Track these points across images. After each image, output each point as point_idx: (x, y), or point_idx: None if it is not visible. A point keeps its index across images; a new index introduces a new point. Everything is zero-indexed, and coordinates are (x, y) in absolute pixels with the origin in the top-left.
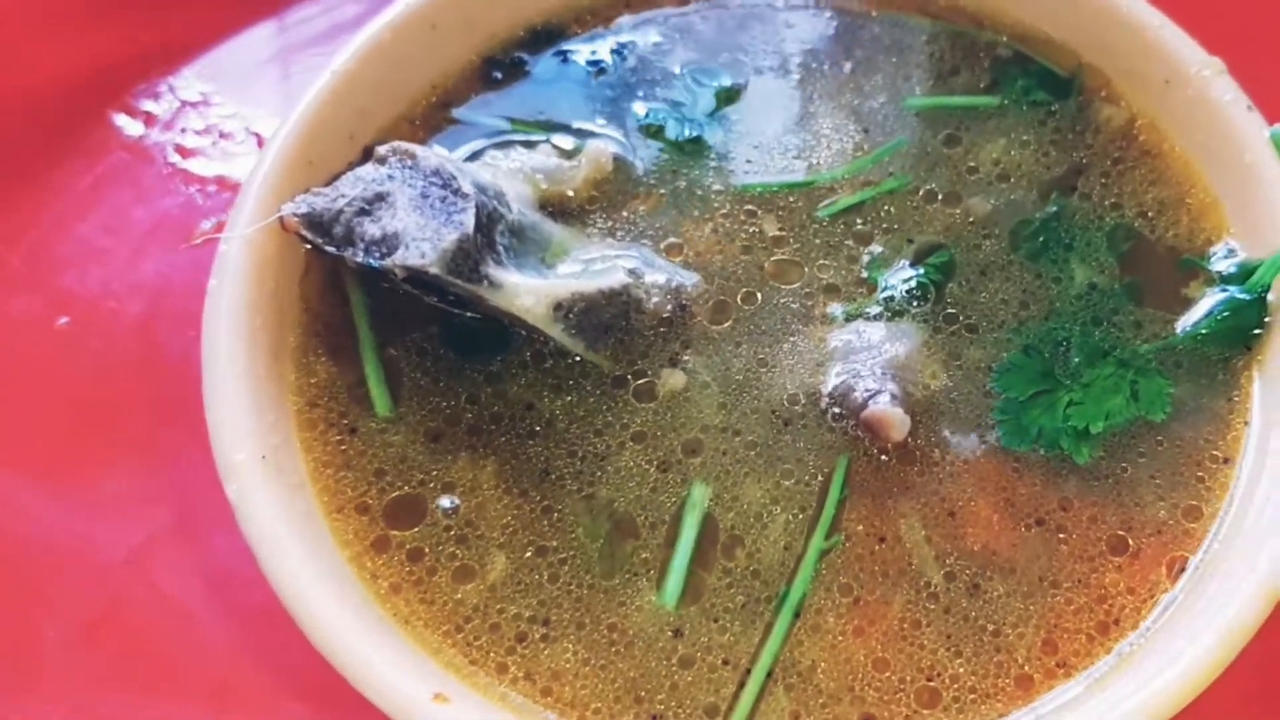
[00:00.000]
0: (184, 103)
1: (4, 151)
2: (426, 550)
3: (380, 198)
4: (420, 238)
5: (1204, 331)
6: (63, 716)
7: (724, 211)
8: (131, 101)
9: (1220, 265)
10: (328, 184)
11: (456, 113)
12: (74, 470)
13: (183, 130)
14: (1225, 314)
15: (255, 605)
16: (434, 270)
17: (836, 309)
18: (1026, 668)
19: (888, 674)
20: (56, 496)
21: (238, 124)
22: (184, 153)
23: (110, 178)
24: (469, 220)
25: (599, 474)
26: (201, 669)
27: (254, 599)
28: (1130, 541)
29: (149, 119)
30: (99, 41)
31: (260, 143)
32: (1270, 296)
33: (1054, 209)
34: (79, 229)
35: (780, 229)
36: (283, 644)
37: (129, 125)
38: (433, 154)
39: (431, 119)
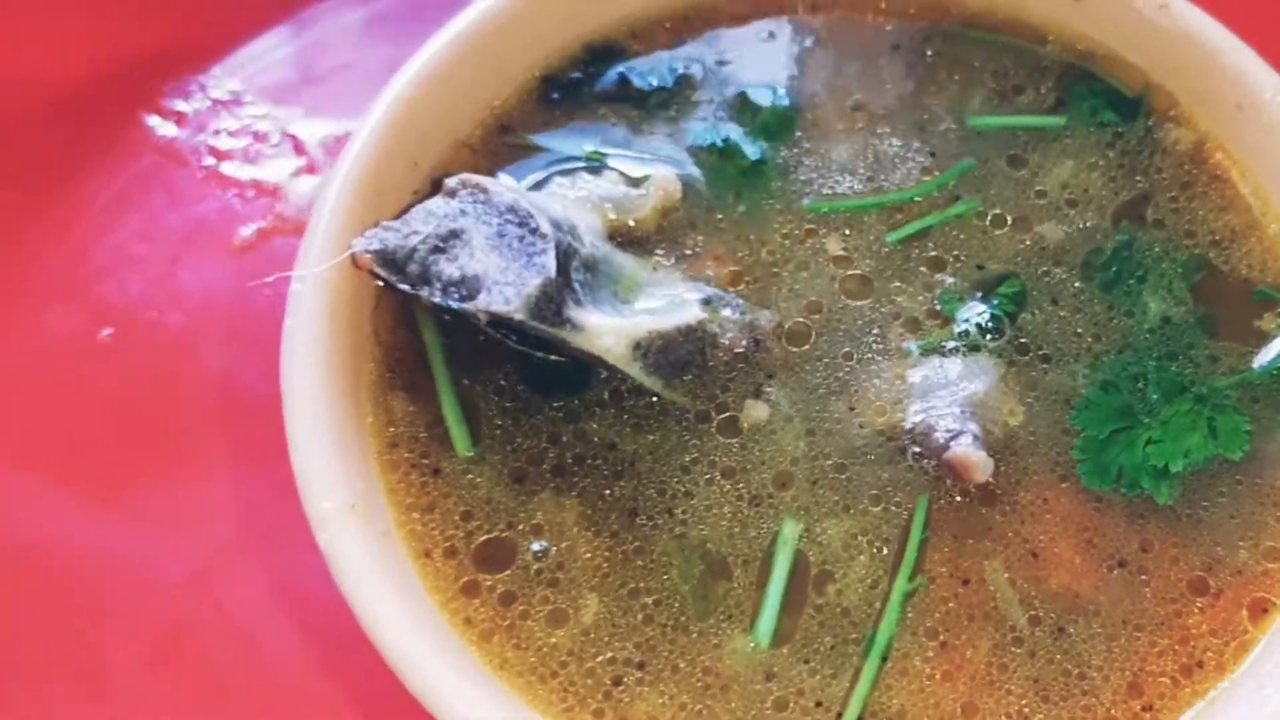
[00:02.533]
0: (215, 102)
1: (36, 156)
2: (518, 594)
3: (455, 235)
4: (503, 281)
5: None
6: None
7: (794, 237)
8: (162, 101)
9: None
10: (397, 216)
11: (517, 137)
12: (129, 487)
13: (215, 132)
14: None
15: (319, 622)
16: (519, 316)
17: (911, 344)
18: (1113, 711)
19: (976, 719)
20: (111, 513)
21: (271, 124)
22: (218, 155)
23: (144, 182)
24: (550, 263)
25: (689, 513)
26: (266, 688)
27: (317, 615)
28: (1211, 583)
29: (180, 119)
30: (127, 40)
31: (296, 146)
32: None
33: (1125, 238)
34: (115, 236)
35: (849, 253)
36: (347, 662)
37: (161, 126)
38: (505, 188)
39: (491, 143)
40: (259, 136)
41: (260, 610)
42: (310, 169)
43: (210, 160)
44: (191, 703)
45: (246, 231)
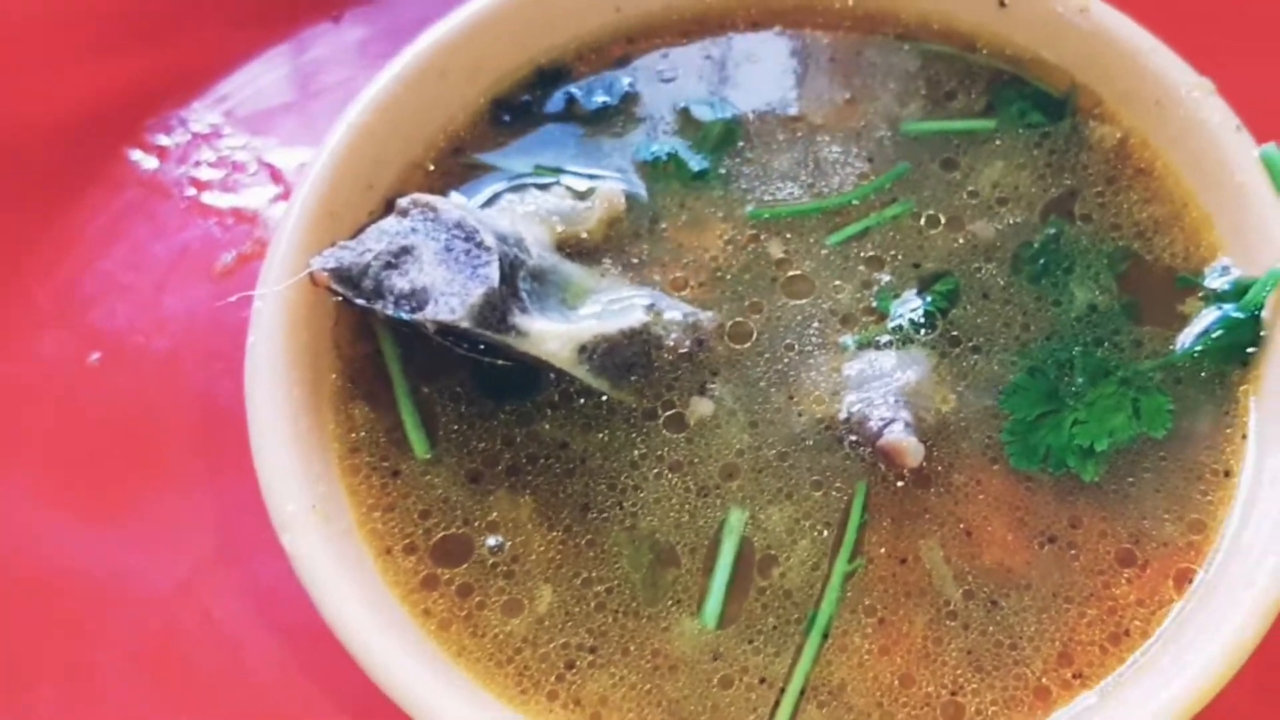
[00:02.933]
0: (195, 135)
1: (25, 190)
2: (474, 586)
3: (406, 251)
4: (449, 292)
5: (1201, 349)
6: None
7: (734, 242)
8: (145, 136)
9: (1215, 283)
10: (353, 236)
11: (469, 158)
12: (116, 503)
13: (196, 163)
14: (1221, 332)
15: (299, 624)
16: (464, 325)
17: (848, 339)
18: (1044, 679)
19: (914, 689)
20: (100, 529)
21: (248, 154)
22: (199, 185)
23: (129, 213)
24: (494, 274)
25: (638, 505)
26: (252, 691)
27: (298, 618)
28: (1138, 555)
29: (162, 153)
30: (107, 76)
31: (273, 174)
32: (1264, 314)
33: (1053, 231)
34: (102, 265)
35: (790, 256)
36: (328, 663)
37: (143, 160)
38: (453, 206)
39: (445, 164)
40: (237, 166)
41: (244, 616)
42: (286, 195)
43: (191, 190)
44: (179, 705)
45: (227, 257)
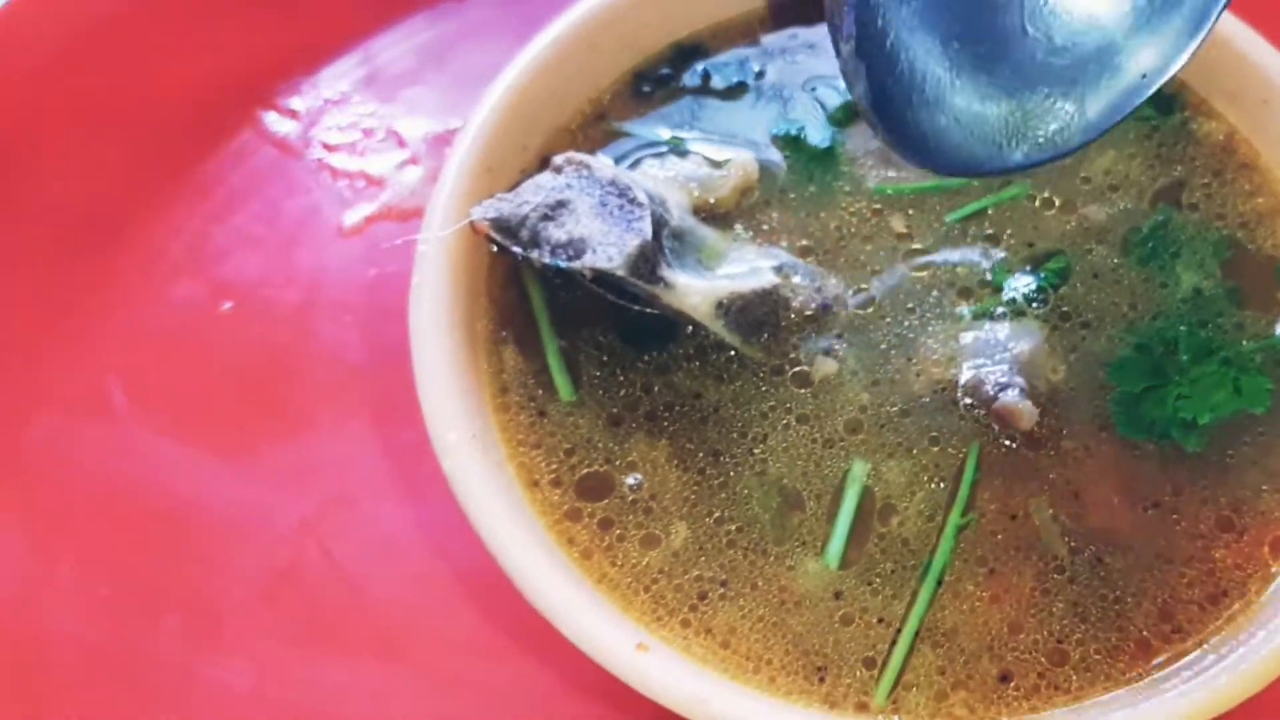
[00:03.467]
0: (326, 101)
1: (160, 150)
2: (615, 520)
3: (562, 205)
4: (606, 243)
5: None
6: (244, 669)
7: (859, 214)
8: (277, 99)
9: None
10: (509, 190)
11: (611, 125)
12: (243, 444)
13: (326, 128)
14: None
15: (417, 569)
16: (620, 273)
17: (964, 309)
18: (1145, 633)
19: (1021, 635)
20: (228, 468)
21: (377, 121)
22: (328, 148)
23: (260, 172)
24: (647, 228)
25: (767, 453)
26: (370, 626)
27: (415, 564)
28: (1236, 522)
29: (294, 116)
30: (242, 42)
31: (400, 141)
32: None
33: (1161, 218)
34: (234, 220)
35: (911, 230)
36: (442, 604)
37: (276, 122)
38: (606, 164)
39: (590, 131)
40: (366, 132)
41: (363, 558)
42: (413, 161)
43: (321, 153)
44: (300, 636)
45: (355, 217)
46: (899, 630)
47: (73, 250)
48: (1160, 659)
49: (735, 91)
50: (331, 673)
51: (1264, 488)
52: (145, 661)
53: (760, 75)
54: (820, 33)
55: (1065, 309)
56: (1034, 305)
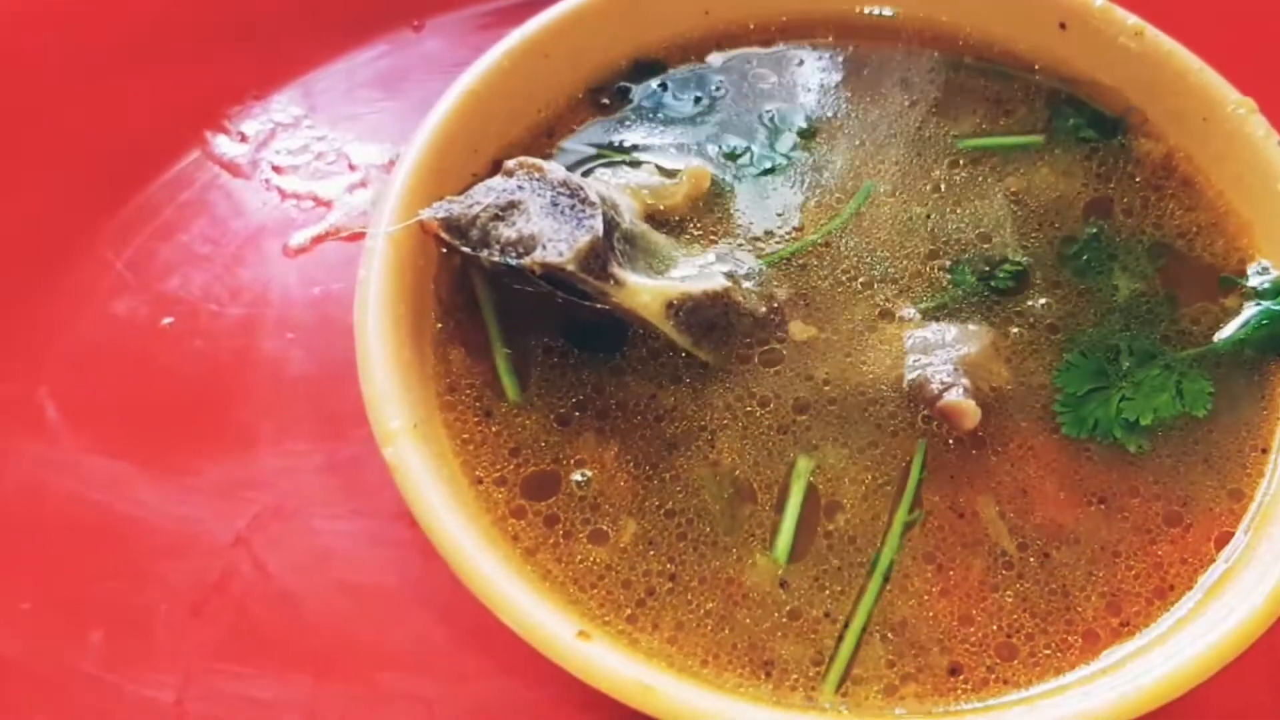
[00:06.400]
0: (277, 124)
1: (110, 168)
2: (561, 517)
3: (513, 205)
4: (556, 239)
5: (1241, 338)
6: (170, 684)
7: (807, 224)
8: (227, 121)
9: (1256, 281)
10: (460, 193)
11: (567, 135)
12: (181, 459)
13: (276, 150)
14: (1263, 323)
15: (351, 582)
16: (570, 268)
17: (912, 310)
18: (1094, 626)
19: (971, 629)
20: (165, 484)
21: (327, 146)
22: (278, 170)
23: (208, 191)
24: (599, 225)
25: (718, 448)
26: (302, 640)
27: (351, 576)
28: (1183, 517)
29: (243, 138)
30: (195, 64)
31: (351, 165)
32: None
33: (1095, 229)
34: (180, 238)
35: (858, 242)
36: (377, 618)
37: (225, 143)
38: (558, 168)
39: (544, 140)
40: (317, 155)
41: (298, 571)
42: (364, 184)
43: (270, 174)
44: (233, 651)
45: (302, 237)
46: (846, 624)
47: (16, 264)
48: (1108, 651)
49: (688, 109)
50: (262, 688)
51: (1208, 484)
52: (68, 677)
53: (713, 94)
54: (775, 56)
55: (1011, 314)
56: (982, 309)
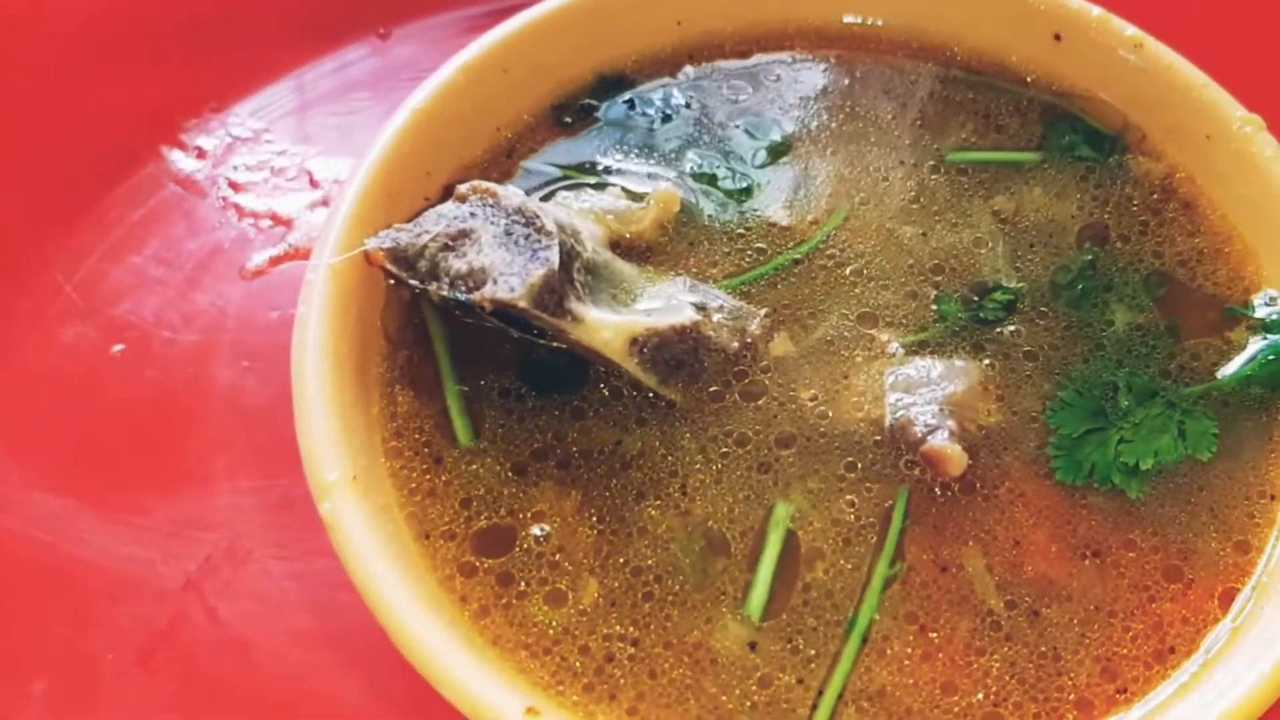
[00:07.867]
0: (236, 139)
1: (59, 185)
2: (516, 575)
3: (464, 234)
4: (508, 273)
5: (1248, 374)
6: None
7: (781, 251)
8: (184, 136)
9: (1262, 313)
10: (410, 220)
11: (528, 155)
12: (130, 496)
13: (234, 166)
14: (1270, 358)
15: (306, 630)
16: (523, 304)
17: (896, 344)
18: (1087, 694)
19: (955, 698)
20: (113, 522)
21: (288, 161)
22: (236, 187)
23: (163, 210)
24: (554, 256)
25: (687, 497)
26: (254, 690)
27: (305, 623)
28: (1185, 572)
29: (200, 154)
30: (149, 77)
31: (312, 181)
32: None
33: (1090, 256)
34: (133, 260)
35: (838, 267)
36: (333, 667)
37: (181, 159)
38: (514, 193)
39: (502, 161)
40: (276, 171)
41: (250, 617)
42: (325, 202)
43: (228, 192)
44: (181, 701)
45: (259, 259)
46: (820, 693)
47: None
48: None
49: (657, 125)
50: None
51: (1212, 535)
52: None
53: (683, 110)
54: (747, 69)
55: (1001, 348)
56: (970, 343)
